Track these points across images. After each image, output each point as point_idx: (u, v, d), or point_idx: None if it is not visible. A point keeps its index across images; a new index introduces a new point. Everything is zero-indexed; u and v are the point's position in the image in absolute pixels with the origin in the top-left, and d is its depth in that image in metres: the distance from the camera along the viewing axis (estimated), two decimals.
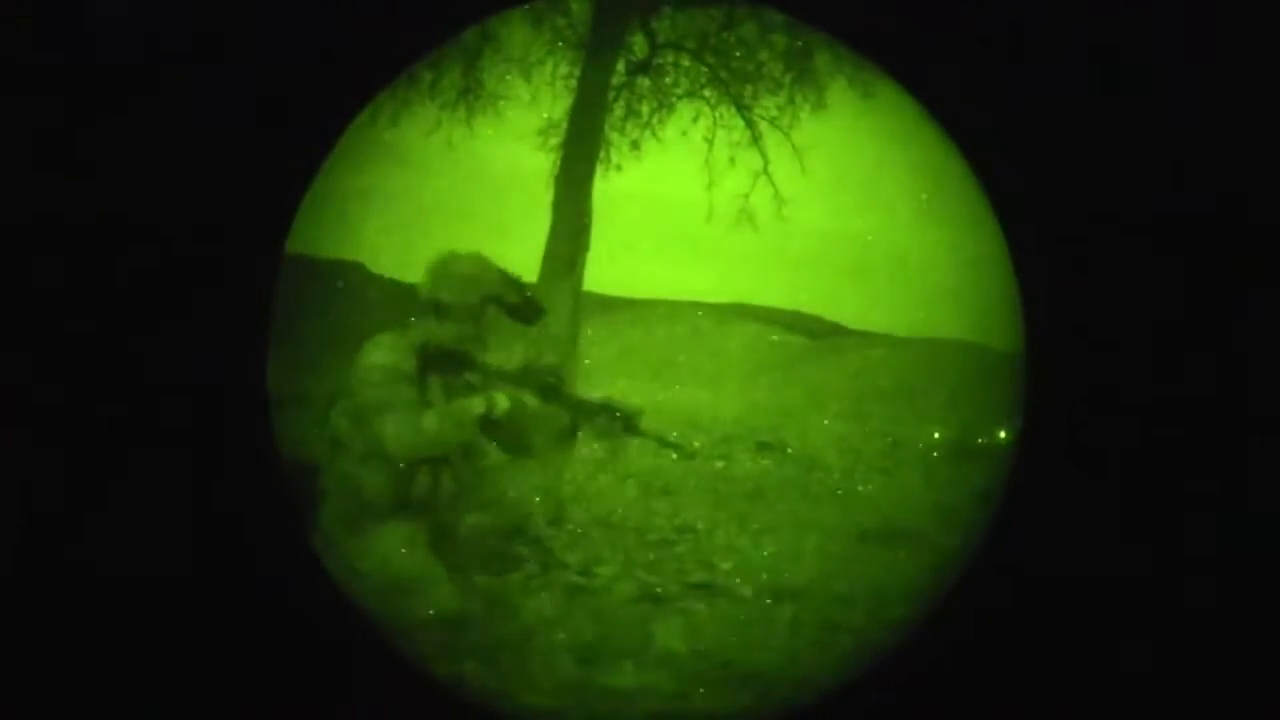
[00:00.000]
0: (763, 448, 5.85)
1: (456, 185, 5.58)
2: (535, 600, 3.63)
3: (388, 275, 5.59)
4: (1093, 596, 3.15)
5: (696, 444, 3.97)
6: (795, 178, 5.88)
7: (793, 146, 5.87)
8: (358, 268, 5.64)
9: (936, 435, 6.02)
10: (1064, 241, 3.23)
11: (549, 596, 3.67)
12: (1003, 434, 5.30)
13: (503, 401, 3.32)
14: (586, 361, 5.75)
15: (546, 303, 4.96)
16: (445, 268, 3.30)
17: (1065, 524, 3.18)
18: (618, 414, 3.37)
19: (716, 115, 5.84)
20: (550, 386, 3.36)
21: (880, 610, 3.68)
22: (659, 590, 3.75)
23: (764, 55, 5.80)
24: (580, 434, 3.39)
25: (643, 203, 5.90)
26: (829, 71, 5.81)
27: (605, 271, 5.71)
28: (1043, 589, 3.18)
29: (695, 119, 5.83)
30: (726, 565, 3.96)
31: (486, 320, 3.33)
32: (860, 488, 5.35)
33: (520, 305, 3.33)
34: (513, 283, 3.32)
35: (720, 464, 5.34)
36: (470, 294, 3.28)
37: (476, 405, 3.28)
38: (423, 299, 3.30)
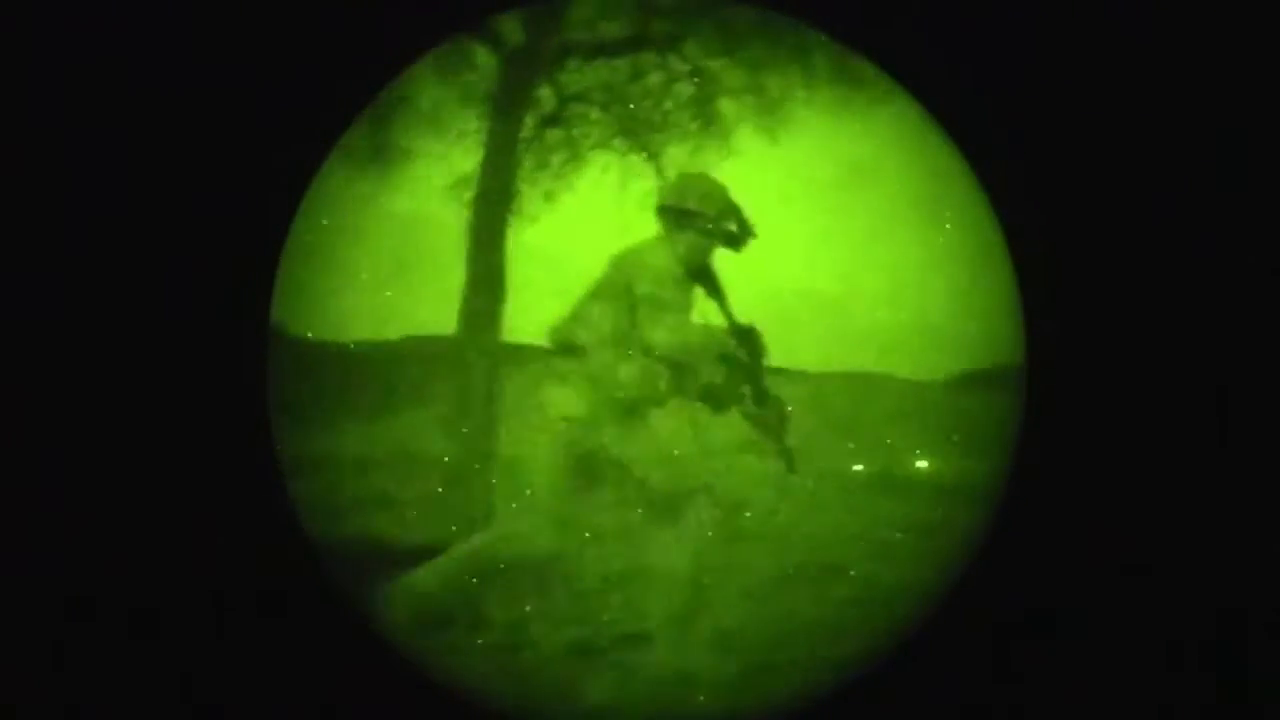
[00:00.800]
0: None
1: (370, 242, 5.55)
2: (465, 658, 3.60)
3: (302, 334, 5.53)
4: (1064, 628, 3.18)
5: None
6: None
7: None
8: (276, 326, 5.57)
9: (860, 467, 6.10)
10: (1020, 274, 3.30)
11: (477, 653, 3.64)
12: (926, 464, 5.40)
13: (730, 343, 3.67)
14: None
15: (465, 356, 4.98)
16: (688, 181, 3.83)
17: (1036, 552, 3.22)
18: (778, 413, 3.57)
19: (627, 164, 5.90)
20: (756, 353, 3.63)
21: (818, 648, 3.71)
22: (590, 641, 3.74)
23: (669, 104, 5.89)
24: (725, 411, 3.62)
25: (557, 253, 5.92)
26: (736, 118, 5.92)
27: (523, 322, 5.73)
28: (1016, 617, 3.22)
29: (605, 169, 5.89)
30: (658, 611, 3.93)
31: (718, 234, 3.66)
32: (789, 525, 5.38)
33: (737, 233, 3.70)
34: (735, 207, 3.66)
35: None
36: (710, 206, 3.67)
37: (718, 335, 3.66)
38: (669, 205, 3.73)
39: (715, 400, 3.63)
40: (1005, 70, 3.27)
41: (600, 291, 3.72)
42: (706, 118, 5.88)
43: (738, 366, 3.65)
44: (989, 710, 3.13)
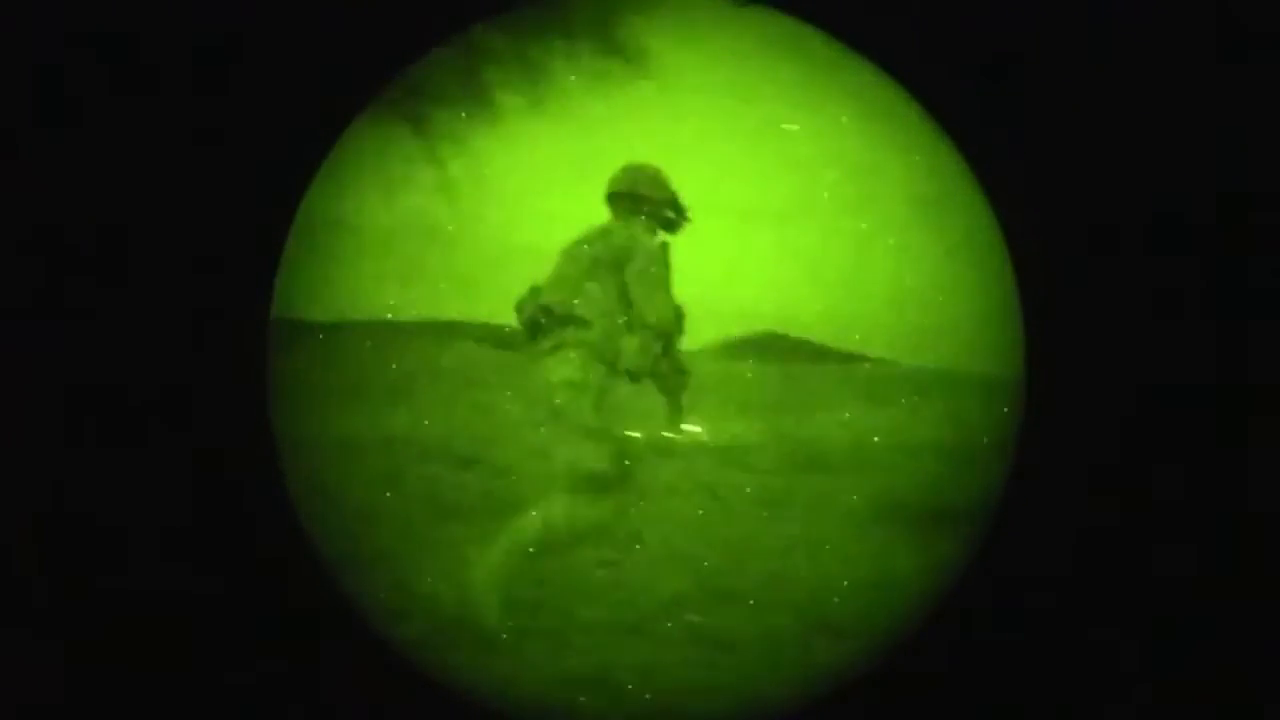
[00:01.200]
0: (466, 463, 5.99)
1: None
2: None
3: None
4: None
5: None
6: (475, 190, 6.02)
7: (470, 159, 6.00)
8: None
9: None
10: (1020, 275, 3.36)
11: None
12: (697, 429, 5.74)
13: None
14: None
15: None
16: (637, 169, 4.02)
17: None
18: (681, 377, 3.99)
19: (391, 131, 5.84)
20: (680, 328, 3.96)
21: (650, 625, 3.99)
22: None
23: (435, 73, 5.85)
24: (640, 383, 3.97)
25: (326, 224, 5.79)
26: (499, 84, 5.97)
27: (294, 295, 5.59)
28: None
29: (369, 138, 5.77)
30: (493, 599, 4.06)
31: (660, 219, 4.01)
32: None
33: (674, 218, 4.02)
34: (674, 193, 4.04)
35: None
36: (656, 192, 3.99)
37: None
38: (622, 191, 3.99)
39: (638, 373, 3.91)
40: (1005, 70, 3.32)
41: (594, 268, 3.90)
42: (472, 86, 5.90)
43: (669, 341, 3.95)
44: (989, 710, 3.16)
